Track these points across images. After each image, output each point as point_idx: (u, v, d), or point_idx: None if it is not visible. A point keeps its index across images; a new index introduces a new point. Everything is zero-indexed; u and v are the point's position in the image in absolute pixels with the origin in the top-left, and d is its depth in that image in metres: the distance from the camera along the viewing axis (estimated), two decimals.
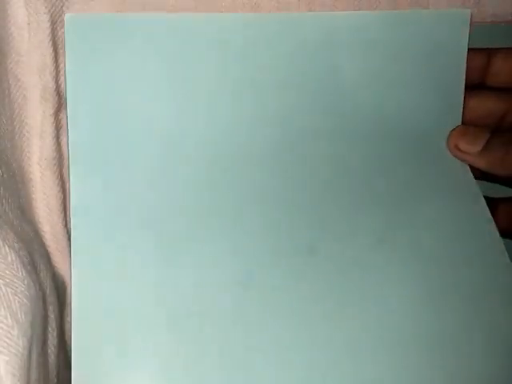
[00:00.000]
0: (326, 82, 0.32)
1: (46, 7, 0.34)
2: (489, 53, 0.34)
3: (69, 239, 0.35)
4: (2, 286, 0.25)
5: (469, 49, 0.33)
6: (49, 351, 0.30)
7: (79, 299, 0.29)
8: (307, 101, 0.32)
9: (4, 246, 0.27)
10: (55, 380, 0.31)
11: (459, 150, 0.33)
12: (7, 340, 0.24)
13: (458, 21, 0.32)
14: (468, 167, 0.34)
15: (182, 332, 0.30)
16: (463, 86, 0.34)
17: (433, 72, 0.33)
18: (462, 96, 0.34)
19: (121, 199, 0.32)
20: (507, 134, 0.33)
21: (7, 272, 0.26)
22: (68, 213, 0.35)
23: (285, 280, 0.31)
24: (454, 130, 0.33)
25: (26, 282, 0.26)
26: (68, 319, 0.35)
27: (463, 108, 0.34)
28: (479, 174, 0.35)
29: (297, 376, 0.29)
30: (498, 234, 0.32)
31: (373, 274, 0.31)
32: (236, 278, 0.31)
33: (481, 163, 0.33)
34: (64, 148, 0.35)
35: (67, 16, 0.31)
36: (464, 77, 0.33)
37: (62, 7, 0.35)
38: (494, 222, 0.33)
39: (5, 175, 0.30)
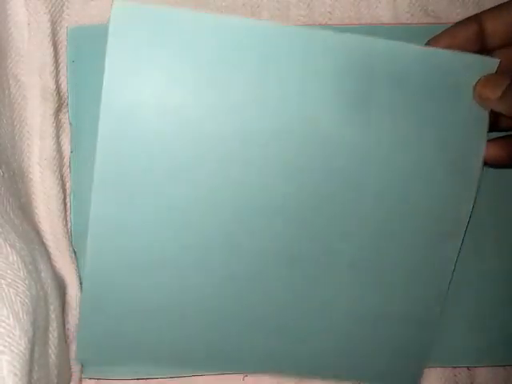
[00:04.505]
0: (352, 107, 0.33)
1: (46, 7, 0.34)
2: (476, 19, 0.34)
3: (69, 239, 0.35)
4: (5, 286, 0.25)
5: (457, 23, 0.34)
6: (49, 351, 0.30)
7: None
8: (326, 122, 0.33)
9: (5, 245, 0.27)
10: (55, 380, 0.31)
11: (482, 98, 0.33)
12: (9, 340, 0.23)
13: (486, 67, 0.33)
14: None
15: None
16: (486, 131, 0.34)
17: (457, 111, 0.34)
18: (485, 138, 0.34)
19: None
20: None
21: (9, 272, 0.26)
22: (68, 213, 0.35)
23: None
24: (478, 80, 0.33)
25: (27, 282, 0.26)
26: (67, 319, 0.35)
27: None
28: (506, 126, 0.35)
29: None
30: None
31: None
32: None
33: (501, 108, 0.33)
34: (64, 148, 0.35)
35: (115, 4, 0.30)
36: (487, 121, 0.34)
37: (62, 7, 0.35)
38: None
39: (5, 175, 0.30)
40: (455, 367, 0.37)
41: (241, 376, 0.37)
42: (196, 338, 0.35)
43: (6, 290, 0.25)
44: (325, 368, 0.36)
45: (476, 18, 0.33)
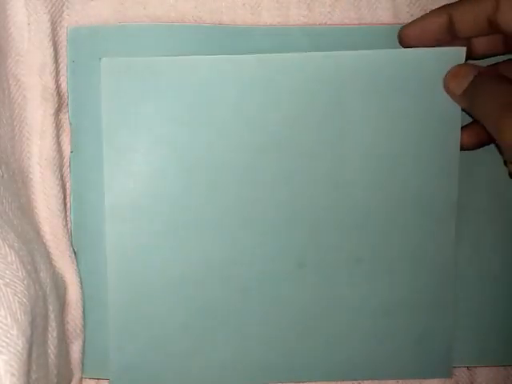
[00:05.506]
0: (330, 117, 0.35)
1: (46, 7, 0.34)
2: (446, 10, 0.33)
3: (69, 239, 0.35)
4: (2, 286, 0.25)
5: (426, 14, 0.34)
6: (49, 351, 0.30)
7: None
8: (311, 133, 0.35)
9: (4, 245, 0.27)
10: (55, 380, 0.31)
11: (448, 91, 0.34)
12: (6, 340, 0.24)
13: (455, 57, 0.34)
14: None
15: None
16: (459, 116, 0.35)
17: (431, 105, 0.35)
18: (459, 127, 0.35)
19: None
20: (490, 78, 0.33)
21: (7, 272, 0.26)
22: (68, 213, 0.35)
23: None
24: (450, 69, 0.34)
25: (25, 282, 0.27)
26: (67, 319, 0.35)
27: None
28: None
29: None
30: None
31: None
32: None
33: (462, 105, 0.34)
34: (64, 148, 0.35)
35: (103, 60, 0.34)
36: (460, 110, 0.35)
37: (62, 7, 0.35)
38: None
39: (5, 175, 0.30)
40: (455, 367, 0.37)
41: None
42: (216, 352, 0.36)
43: (4, 290, 0.25)
44: (355, 370, 0.37)
45: (446, 10, 0.33)
